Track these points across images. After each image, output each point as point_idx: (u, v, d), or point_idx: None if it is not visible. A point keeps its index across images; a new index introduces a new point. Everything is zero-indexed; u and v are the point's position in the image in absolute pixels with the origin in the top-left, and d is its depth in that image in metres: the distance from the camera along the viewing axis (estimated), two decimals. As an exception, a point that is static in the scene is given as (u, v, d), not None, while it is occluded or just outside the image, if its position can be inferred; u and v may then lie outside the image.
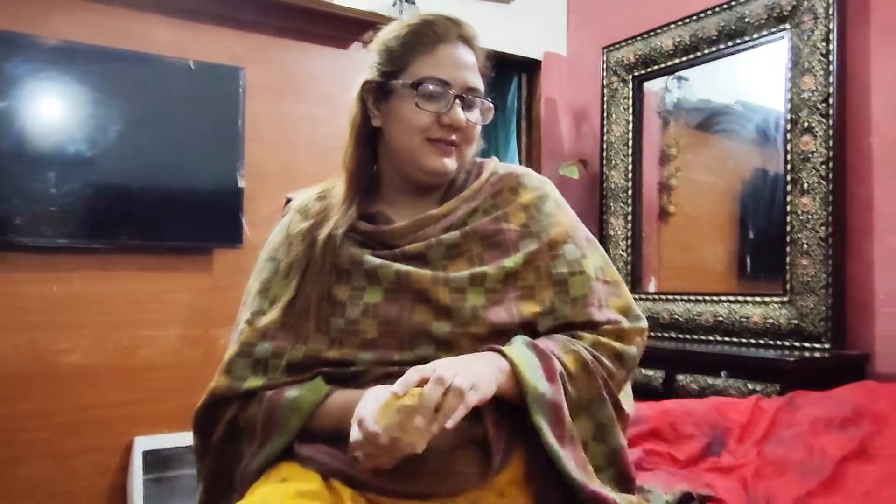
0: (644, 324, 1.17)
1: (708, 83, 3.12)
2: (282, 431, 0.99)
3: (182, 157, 2.77)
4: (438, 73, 1.08)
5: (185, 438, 2.74)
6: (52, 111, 2.55)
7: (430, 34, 1.10)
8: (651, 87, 3.31)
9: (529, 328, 1.06)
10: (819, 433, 1.59)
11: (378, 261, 1.06)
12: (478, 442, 0.96)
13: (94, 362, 2.67)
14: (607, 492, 0.94)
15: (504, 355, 0.97)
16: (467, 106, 1.11)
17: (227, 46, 2.93)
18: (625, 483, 1.01)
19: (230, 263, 2.90)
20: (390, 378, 0.94)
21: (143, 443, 2.70)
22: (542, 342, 1.02)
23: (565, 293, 1.08)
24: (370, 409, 0.87)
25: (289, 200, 1.27)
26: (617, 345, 1.09)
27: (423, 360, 0.97)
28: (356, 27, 3.16)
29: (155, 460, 2.70)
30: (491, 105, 1.15)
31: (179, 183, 2.77)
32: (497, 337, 1.03)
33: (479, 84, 1.14)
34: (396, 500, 0.92)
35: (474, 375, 0.90)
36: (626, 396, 1.12)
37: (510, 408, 0.98)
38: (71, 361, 2.63)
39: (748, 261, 2.96)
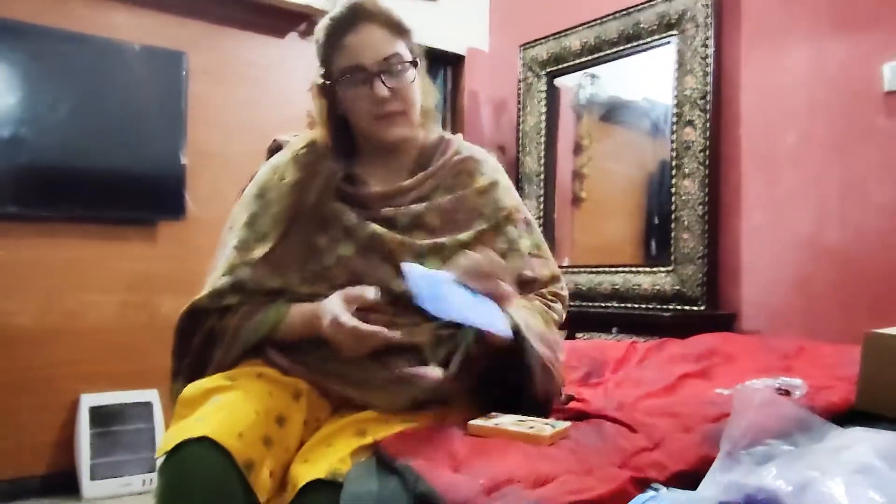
0: (567, 291, 1.46)
1: (616, 81, 3.47)
2: (244, 346, 1.21)
3: (128, 134, 2.97)
4: (352, 60, 1.25)
5: (130, 396, 2.96)
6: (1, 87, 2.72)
7: (337, 28, 1.26)
8: (566, 82, 3.66)
9: None
10: (675, 362, 1.95)
11: (356, 219, 1.26)
12: (418, 358, 1.20)
13: (41, 325, 2.84)
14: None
15: None
16: (390, 74, 1.25)
17: (172, 32, 3.13)
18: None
19: (174, 235, 3.12)
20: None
21: (89, 399, 2.89)
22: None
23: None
24: (336, 303, 1.14)
25: (276, 142, 1.45)
26: (555, 305, 1.38)
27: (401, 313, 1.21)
28: (293, 19, 3.42)
29: (100, 416, 2.89)
30: (412, 60, 1.27)
31: (126, 159, 2.97)
32: None
33: (393, 49, 1.26)
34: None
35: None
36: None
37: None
38: (19, 323, 2.80)
39: (647, 238, 3.33)
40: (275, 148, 1.44)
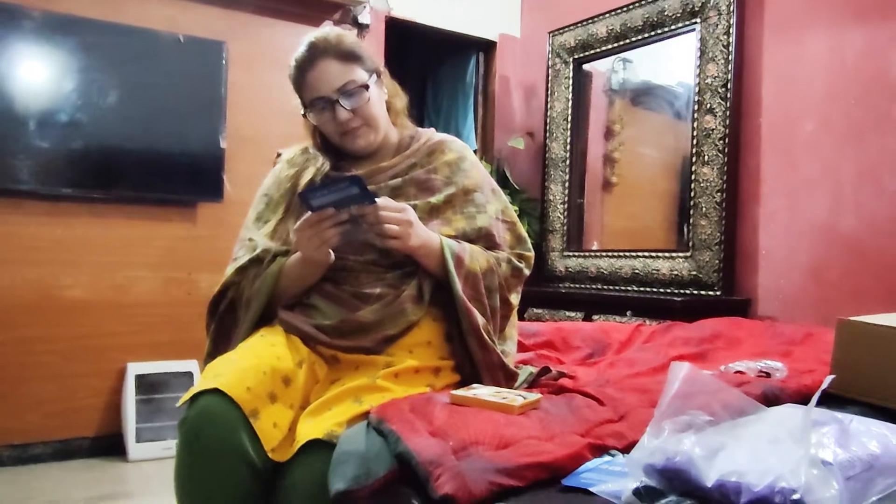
0: (532, 252, 1.61)
1: (648, 66, 3.52)
2: (259, 299, 1.41)
3: (171, 120, 3.16)
4: (314, 93, 1.45)
5: (172, 366, 3.18)
6: (56, 78, 2.92)
7: (300, 67, 1.46)
8: (598, 67, 3.72)
9: None
10: (676, 345, 2.04)
11: None
12: (400, 310, 1.39)
13: (92, 297, 3.07)
14: (478, 319, 1.39)
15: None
16: (347, 98, 1.45)
17: (212, 22, 3.30)
18: None
19: (212, 216, 3.31)
20: (345, 270, 1.42)
21: (135, 368, 3.12)
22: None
23: (473, 224, 1.52)
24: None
25: (279, 154, 1.70)
26: (516, 262, 1.54)
27: (372, 263, 1.43)
28: (327, 8, 3.56)
29: (145, 384, 3.12)
30: (364, 82, 1.45)
31: (168, 143, 3.16)
32: None
33: (348, 76, 1.44)
34: (334, 352, 1.36)
35: (422, 237, 1.37)
36: (515, 296, 1.57)
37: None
38: (72, 295, 3.03)
39: (679, 223, 3.32)
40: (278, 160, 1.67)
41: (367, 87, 1.47)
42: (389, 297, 1.40)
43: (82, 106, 2.96)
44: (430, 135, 1.63)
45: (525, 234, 1.63)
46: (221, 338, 1.47)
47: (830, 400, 1.38)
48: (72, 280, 3.02)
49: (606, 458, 1.08)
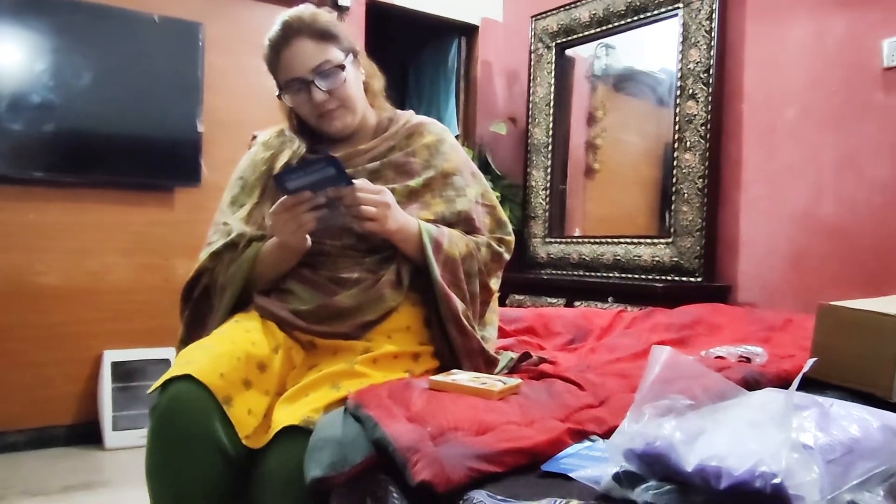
0: (513, 236, 1.59)
1: (632, 52, 3.50)
2: (234, 284, 1.38)
3: (146, 103, 3.10)
4: (288, 74, 1.41)
5: (148, 353, 3.13)
6: (27, 59, 2.85)
7: (274, 47, 1.42)
8: (580, 52, 3.70)
9: None
10: (658, 330, 2.03)
11: None
12: (378, 295, 1.36)
13: (66, 283, 3.01)
14: (458, 304, 1.37)
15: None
16: (322, 78, 1.40)
17: (188, 3, 3.24)
18: None
19: (190, 201, 3.26)
20: (322, 255, 1.39)
21: (112, 355, 3.07)
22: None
23: (453, 208, 1.49)
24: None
25: (254, 137, 1.66)
26: (496, 247, 1.52)
27: (349, 248, 1.41)
28: (307, -10, 3.49)
29: (121, 371, 3.08)
30: (339, 62, 1.41)
31: (144, 127, 3.10)
32: None
33: (323, 56, 1.40)
34: (311, 337, 1.34)
35: (399, 221, 1.34)
36: (495, 280, 1.55)
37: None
38: (46, 282, 2.97)
39: (661, 210, 3.32)
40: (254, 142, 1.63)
41: (342, 67, 1.43)
42: (368, 283, 1.38)
43: (54, 88, 2.89)
44: (408, 117, 1.60)
45: (505, 218, 1.61)
46: (195, 324, 1.44)
47: (810, 385, 1.38)
48: (45, 266, 2.97)
49: (587, 443, 1.06)
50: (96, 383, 3.06)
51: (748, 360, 1.59)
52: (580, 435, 1.08)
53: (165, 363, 3.13)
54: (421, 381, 1.22)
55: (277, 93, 1.48)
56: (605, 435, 1.10)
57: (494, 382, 1.18)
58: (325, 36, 1.43)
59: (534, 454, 0.99)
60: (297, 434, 1.11)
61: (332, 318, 1.34)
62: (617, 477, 0.86)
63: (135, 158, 3.09)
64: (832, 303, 1.43)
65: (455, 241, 1.43)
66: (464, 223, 1.50)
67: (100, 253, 3.09)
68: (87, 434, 3.02)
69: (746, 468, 0.74)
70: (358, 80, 1.50)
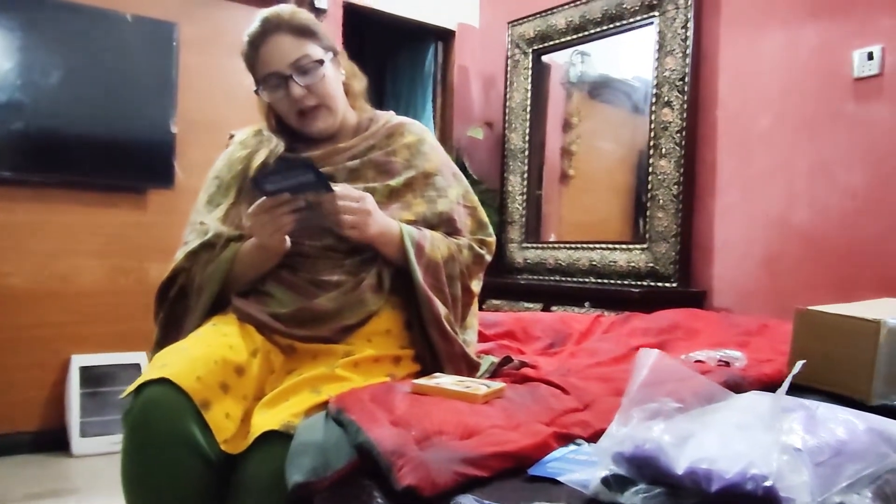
0: (494, 238, 1.58)
1: (607, 59, 3.53)
2: (212, 286, 1.35)
3: (120, 103, 3.04)
4: (267, 68, 1.39)
5: (119, 357, 3.07)
6: (-2, 54, 2.78)
7: (253, 43, 1.40)
8: (556, 59, 3.71)
9: None
10: (636, 335, 2.04)
11: None
12: (359, 299, 1.34)
13: (34, 286, 2.94)
14: (440, 308, 1.35)
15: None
16: (301, 74, 1.39)
17: (163, 2, 3.19)
18: None
19: (163, 203, 3.20)
20: (302, 256, 1.37)
21: (80, 360, 3.00)
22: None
23: (434, 209, 1.48)
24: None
25: (232, 136, 1.63)
26: (478, 249, 1.51)
27: (329, 249, 1.38)
28: (283, -9, 3.46)
29: (90, 376, 3.01)
30: (318, 57, 1.40)
31: (117, 127, 3.05)
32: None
33: (302, 51, 1.39)
34: (291, 341, 1.31)
35: (381, 224, 1.32)
36: (476, 283, 1.54)
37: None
38: (13, 284, 2.90)
39: (635, 216, 3.36)
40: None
41: (321, 62, 1.42)
42: (348, 286, 1.36)
43: (23, 86, 2.82)
44: (388, 117, 1.58)
45: (486, 219, 1.59)
46: (171, 326, 1.40)
47: (790, 389, 1.39)
48: (12, 268, 2.89)
49: (572, 447, 1.06)
50: (63, 388, 2.99)
51: (727, 364, 1.60)
52: (565, 439, 1.07)
53: (136, 368, 3.07)
54: (403, 385, 1.20)
55: (255, 89, 1.45)
56: (591, 438, 1.09)
57: (478, 386, 1.16)
58: (304, 32, 1.42)
59: (519, 458, 0.98)
60: (278, 439, 1.09)
61: (311, 322, 1.32)
62: (606, 480, 0.85)
63: (106, 159, 3.03)
64: (810, 307, 1.44)
65: (437, 243, 1.42)
66: (445, 224, 1.48)
67: (69, 255, 3.02)
68: (53, 441, 2.94)
69: (737, 470, 0.74)
70: (338, 80, 1.49)
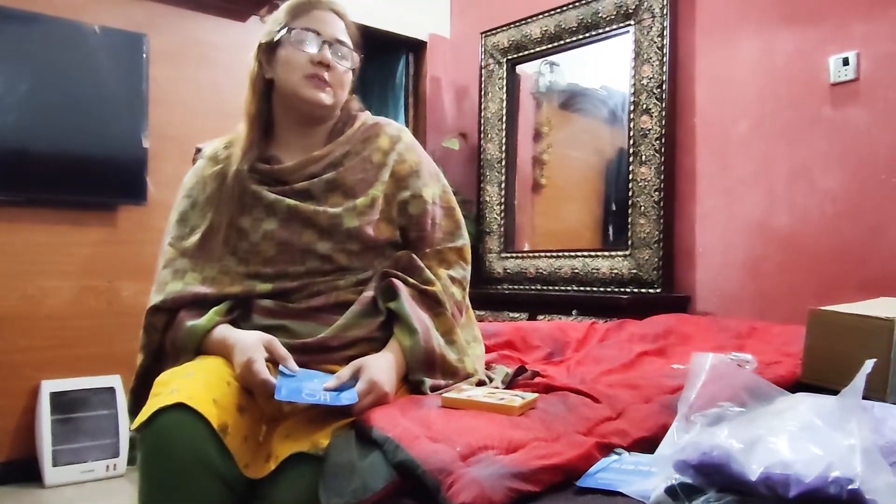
0: (467, 239, 1.53)
1: (576, 69, 3.55)
2: (186, 352, 1.26)
3: (89, 117, 2.94)
4: (310, 24, 1.38)
5: (92, 382, 2.94)
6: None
7: (307, 5, 1.40)
8: (526, 69, 3.72)
9: (391, 243, 1.41)
10: (634, 341, 2.04)
11: (273, 196, 1.36)
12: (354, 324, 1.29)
13: (0, 310, 2.80)
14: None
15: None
16: (336, 54, 1.39)
17: (131, 13, 3.10)
18: None
19: (134, 220, 3.09)
20: (285, 296, 1.30)
21: (50, 385, 2.86)
22: (416, 314, 1.32)
23: (406, 212, 1.43)
24: (255, 346, 1.18)
25: (198, 150, 1.56)
26: (460, 271, 1.47)
27: (313, 272, 1.32)
28: (253, 2, 3.39)
29: (62, 402, 2.87)
30: (358, 57, 1.42)
31: (86, 142, 2.94)
32: (367, 250, 1.37)
33: (347, 40, 1.42)
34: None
35: (390, 380, 1.20)
36: (465, 298, 1.50)
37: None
38: (-23, 309, 2.76)
39: (605, 223, 3.40)
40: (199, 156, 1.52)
41: (353, 58, 1.43)
42: (338, 314, 1.30)
43: (-14, 101, 2.71)
44: (364, 118, 1.50)
45: (462, 220, 1.54)
46: (160, 352, 1.32)
47: (804, 389, 1.39)
48: (-24, 291, 2.76)
49: (613, 456, 1.03)
50: (34, 415, 2.85)
51: (739, 367, 1.59)
52: (606, 448, 1.04)
53: (110, 392, 2.94)
54: (431, 399, 1.16)
55: (273, 38, 1.39)
56: (630, 447, 1.07)
57: (512, 397, 1.13)
58: (350, 31, 1.45)
59: (567, 470, 0.95)
60: (304, 461, 1.04)
61: (313, 354, 1.27)
62: (671, 490, 0.82)
63: (75, 175, 2.92)
64: (823, 307, 1.45)
65: (434, 335, 1.32)
66: (415, 228, 1.43)
67: (36, 276, 2.89)
68: (24, 471, 2.80)
69: (817, 474, 0.72)
70: (349, 84, 1.46)
